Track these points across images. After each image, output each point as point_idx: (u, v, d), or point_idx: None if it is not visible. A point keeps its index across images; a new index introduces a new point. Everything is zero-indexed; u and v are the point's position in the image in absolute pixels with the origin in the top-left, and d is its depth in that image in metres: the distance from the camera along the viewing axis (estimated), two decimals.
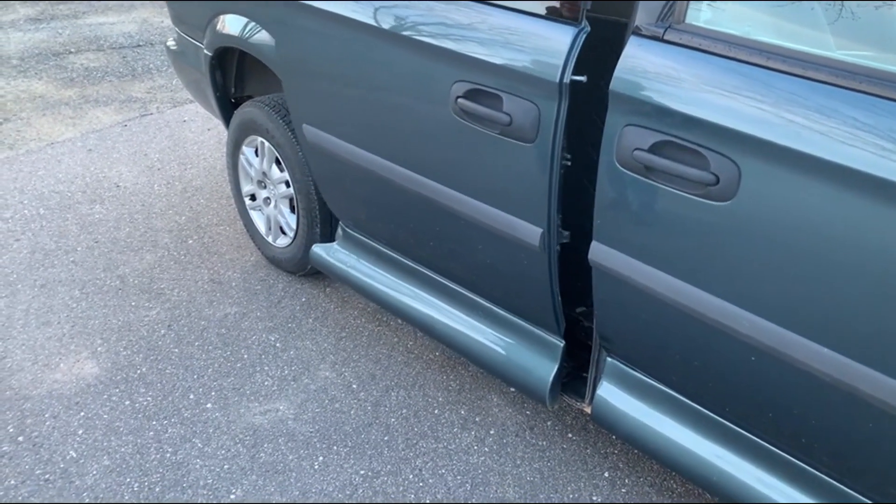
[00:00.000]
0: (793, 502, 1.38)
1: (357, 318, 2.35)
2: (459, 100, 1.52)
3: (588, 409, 1.74)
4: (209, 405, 2.00)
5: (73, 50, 4.60)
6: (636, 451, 1.88)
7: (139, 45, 4.75)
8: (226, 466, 1.82)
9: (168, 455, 1.84)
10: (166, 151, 3.38)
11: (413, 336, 2.28)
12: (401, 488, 1.78)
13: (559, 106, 1.37)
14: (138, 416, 1.95)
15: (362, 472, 1.82)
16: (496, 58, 1.45)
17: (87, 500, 1.72)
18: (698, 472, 1.50)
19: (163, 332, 2.26)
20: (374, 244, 2.10)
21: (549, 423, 1.98)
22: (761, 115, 1.14)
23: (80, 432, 1.90)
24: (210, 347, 2.20)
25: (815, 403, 1.25)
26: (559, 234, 1.52)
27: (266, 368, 2.13)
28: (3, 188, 3.01)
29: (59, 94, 3.94)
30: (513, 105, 1.44)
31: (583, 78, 1.35)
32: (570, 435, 1.95)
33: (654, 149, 1.26)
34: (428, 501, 1.75)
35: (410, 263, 2.00)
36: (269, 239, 2.51)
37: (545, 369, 1.72)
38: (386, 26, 1.64)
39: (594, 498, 1.78)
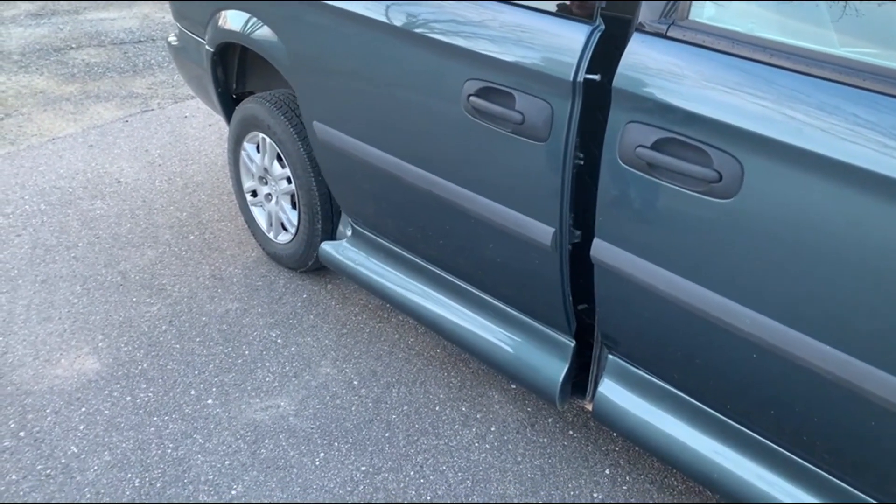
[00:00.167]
0: (794, 500, 1.38)
1: (358, 315, 2.35)
2: (471, 98, 1.51)
3: (589, 407, 1.74)
4: (210, 401, 2.00)
5: (74, 45, 4.60)
6: (637, 448, 1.88)
7: (140, 41, 4.75)
8: (227, 462, 1.82)
9: (169, 451, 1.85)
10: (167, 147, 3.37)
11: (414, 333, 2.28)
12: (402, 485, 1.78)
13: (573, 104, 1.36)
14: (139, 412, 1.95)
15: (363, 468, 1.82)
16: (509, 56, 1.44)
17: (88, 495, 1.72)
18: (699, 470, 1.50)
19: (164, 327, 2.26)
20: (383, 242, 2.09)
21: (549, 420, 1.98)
22: (764, 112, 1.14)
23: (82, 428, 1.90)
24: (211, 343, 2.21)
25: (816, 401, 1.25)
26: (571, 234, 1.52)
27: (267, 364, 2.14)
28: (4, 183, 3.01)
29: (61, 90, 3.94)
30: (525, 103, 1.43)
31: (596, 76, 1.34)
32: (571, 432, 1.95)
33: (657, 146, 1.26)
34: (429, 498, 1.76)
35: (420, 261, 2.00)
36: (271, 235, 2.50)
37: (555, 369, 1.72)
38: (398, 24, 1.63)
39: (595, 495, 1.78)
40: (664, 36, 1.27)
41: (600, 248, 1.44)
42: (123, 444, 1.86)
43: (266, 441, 1.88)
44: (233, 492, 1.75)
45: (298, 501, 1.74)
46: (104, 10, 5.36)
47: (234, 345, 2.20)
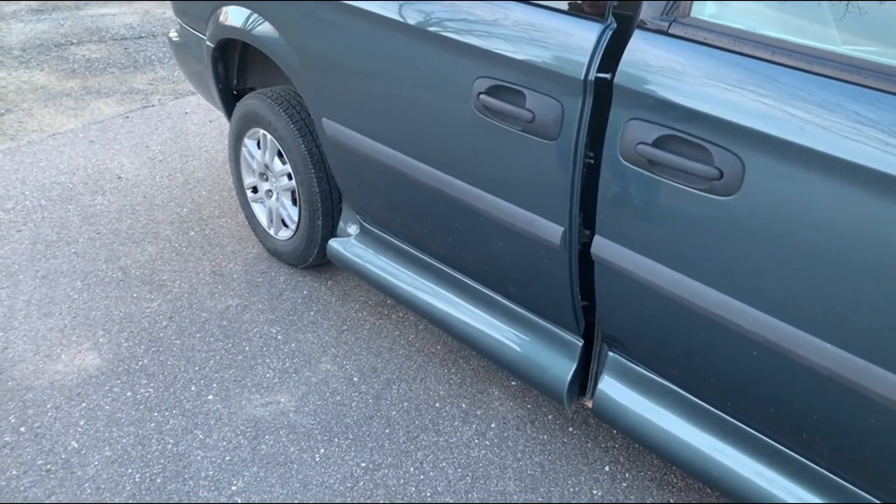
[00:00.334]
0: (793, 497, 1.38)
1: (358, 312, 2.36)
2: (482, 96, 1.50)
3: (589, 404, 1.74)
4: (210, 397, 2.00)
5: (74, 41, 4.59)
6: (637, 445, 1.89)
7: (141, 37, 4.74)
8: (227, 458, 1.83)
9: (169, 446, 1.85)
10: (168, 143, 3.37)
11: (414, 329, 2.29)
12: (402, 481, 1.79)
13: (583, 103, 1.35)
14: (140, 408, 1.96)
15: (363, 464, 1.83)
16: (520, 54, 1.43)
17: (88, 490, 1.72)
18: (699, 467, 1.51)
19: (164, 323, 2.26)
20: (392, 239, 2.09)
21: (549, 416, 1.98)
22: (765, 110, 1.14)
23: (82, 423, 1.90)
24: (211, 339, 2.21)
25: (816, 399, 1.25)
26: (580, 233, 1.51)
27: (267, 361, 2.14)
28: (4, 179, 3.01)
29: (61, 86, 3.93)
30: (536, 102, 1.42)
31: (607, 75, 1.33)
32: (570, 429, 1.95)
33: (658, 143, 1.26)
34: (428, 494, 1.76)
35: (428, 259, 1.99)
36: (271, 231, 2.51)
37: (563, 368, 1.71)
38: (408, 21, 1.62)
39: (595, 492, 1.78)
40: (666, 33, 1.27)
41: (601, 246, 1.44)
42: (124, 440, 1.86)
43: (266, 437, 1.89)
44: (233, 487, 1.75)
45: (299, 497, 1.74)
46: (105, 5, 5.35)
47: (235, 341, 2.21)
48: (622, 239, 1.40)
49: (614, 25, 1.34)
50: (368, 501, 1.73)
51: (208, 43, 2.40)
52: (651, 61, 1.26)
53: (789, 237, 1.16)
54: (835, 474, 1.33)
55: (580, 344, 1.70)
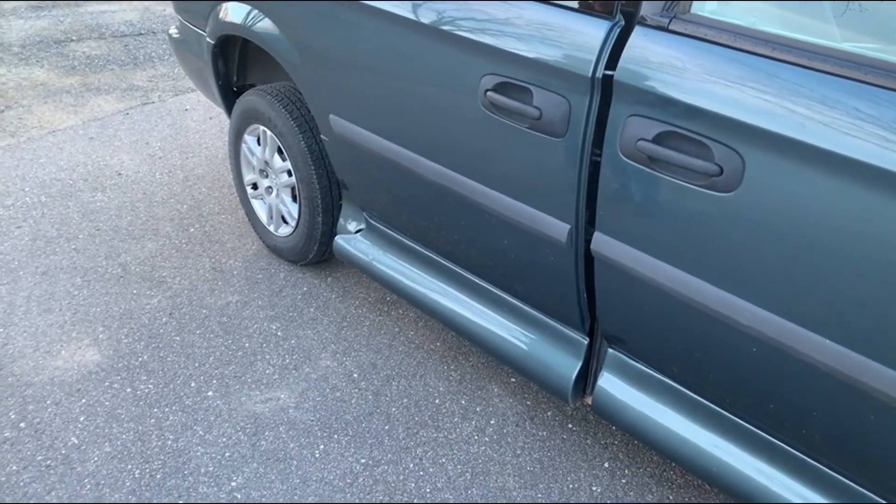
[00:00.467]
0: (792, 494, 1.38)
1: (358, 308, 2.36)
2: (488, 93, 1.50)
3: (588, 400, 1.74)
4: (210, 393, 2.00)
5: (74, 38, 4.59)
6: (636, 441, 1.89)
7: (141, 34, 4.74)
8: (227, 454, 1.83)
9: (169, 442, 1.85)
10: (168, 140, 3.37)
11: (414, 326, 2.29)
12: (401, 477, 1.79)
13: (591, 101, 1.35)
14: (140, 404, 1.96)
15: (363, 460, 1.83)
16: (527, 51, 1.43)
17: (88, 486, 1.73)
18: (698, 463, 1.51)
19: (164, 320, 2.26)
20: (398, 236, 2.09)
21: (549, 413, 1.98)
22: (766, 106, 1.14)
23: (82, 419, 1.90)
24: (211, 336, 2.21)
25: (816, 395, 1.25)
26: (587, 231, 1.51)
27: (267, 357, 2.14)
28: (4, 175, 3.01)
29: (61, 82, 3.93)
30: (543, 99, 1.42)
31: (613, 73, 1.33)
32: (570, 425, 1.95)
33: (658, 139, 1.26)
34: (428, 490, 1.76)
35: (435, 256, 1.99)
36: (271, 228, 2.51)
37: (568, 366, 1.71)
38: (415, 18, 1.62)
39: (594, 488, 1.78)
40: (666, 29, 1.27)
41: (601, 242, 1.44)
42: (124, 436, 1.86)
43: (266, 433, 1.89)
44: (233, 483, 1.75)
45: (298, 493, 1.74)
46: (104, 2, 5.35)
47: (235, 337, 2.21)
48: (622, 235, 1.40)
49: (622, 23, 1.33)
50: (368, 501, 1.74)
51: (208, 39, 2.39)
52: (651, 57, 1.26)
53: (789, 233, 1.16)
54: (834, 471, 1.34)
55: (585, 342, 1.70)
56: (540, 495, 1.76)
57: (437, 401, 2.01)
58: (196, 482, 1.75)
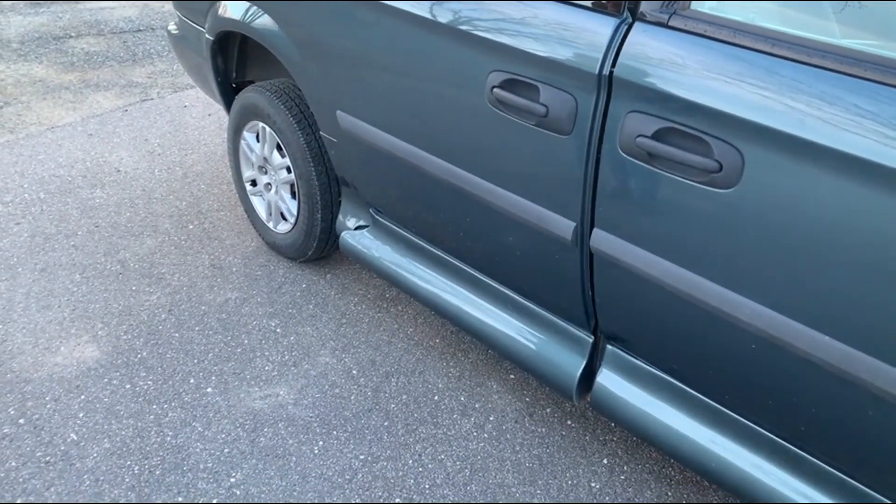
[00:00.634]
0: (791, 491, 1.39)
1: (357, 305, 2.36)
2: (495, 90, 1.49)
3: (587, 397, 1.74)
4: (209, 389, 2.01)
5: (73, 34, 4.58)
6: (635, 438, 1.89)
7: (140, 30, 4.73)
8: (226, 450, 1.83)
9: (168, 438, 1.85)
10: (167, 136, 3.37)
11: (413, 323, 2.29)
12: (400, 473, 1.79)
13: (598, 98, 1.34)
14: (139, 400, 1.96)
15: (362, 456, 1.83)
16: (534, 48, 1.42)
17: (87, 482, 1.73)
18: (697, 460, 1.51)
19: (163, 316, 2.26)
20: (404, 233, 2.08)
21: (548, 409, 1.98)
22: (765, 102, 1.14)
23: (81, 415, 1.90)
24: (210, 332, 2.21)
25: (815, 392, 1.25)
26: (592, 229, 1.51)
27: (266, 353, 2.14)
28: (3, 172, 3.00)
29: (60, 79, 3.92)
30: (550, 96, 1.41)
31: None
32: (569, 422, 1.95)
33: (658, 136, 1.26)
34: (427, 487, 1.76)
35: (441, 253, 1.99)
36: (270, 225, 2.50)
37: (573, 364, 1.71)
38: (422, 14, 1.61)
39: (593, 484, 1.78)
40: (665, 25, 1.27)
41: (600, 238, 1.44)
42: (123, 432, 1.86)
43: (265, 429, 1.89)
44: (232, 479, 1.75)
45: (297, 489, 1.74)
46: None
47: (234, 334, 2.21)
48: (621, 231, 1.39)
49: (630, 20, 1.33)
50: (367, 497, 1.74)
51: (207, 36, 2.39)
52: (651, 53, 1.26)
53: (789, 230, 1.16)
54: (833, 467, 1.34)
55: (590, 340, 1.70)
56: (539, 491, 1.76)
57: (436, 397, 2.02)
58: (195, 478, 1.75)
